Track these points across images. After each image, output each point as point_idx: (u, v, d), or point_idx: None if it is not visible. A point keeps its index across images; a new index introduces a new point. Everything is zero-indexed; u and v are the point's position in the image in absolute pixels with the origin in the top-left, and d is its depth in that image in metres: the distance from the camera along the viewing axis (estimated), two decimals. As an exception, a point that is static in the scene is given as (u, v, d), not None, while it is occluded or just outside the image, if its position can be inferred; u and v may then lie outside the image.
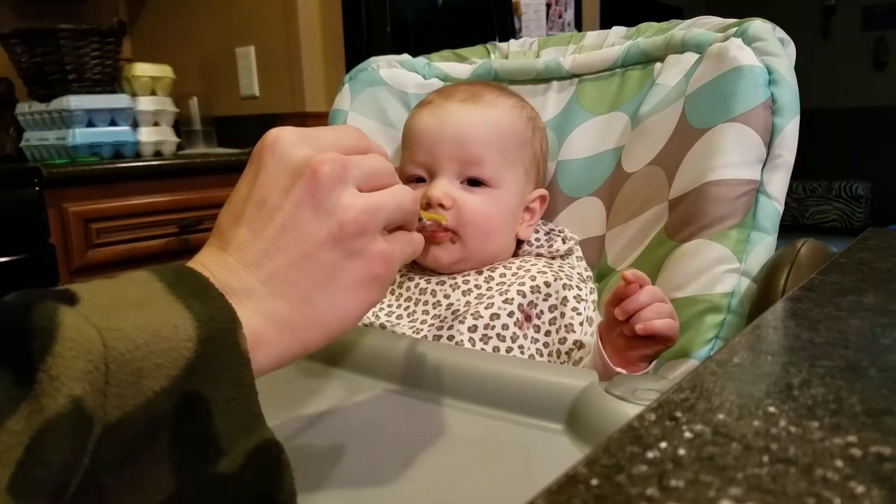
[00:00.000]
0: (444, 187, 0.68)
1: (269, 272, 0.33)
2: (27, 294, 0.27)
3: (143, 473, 0.27)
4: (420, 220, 0.42)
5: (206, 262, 0.33)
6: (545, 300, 0.65)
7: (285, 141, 0.35)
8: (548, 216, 0.79)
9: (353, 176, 0.35)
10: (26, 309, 0.25)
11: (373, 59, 0.91)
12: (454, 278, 0.68)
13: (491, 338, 0.62)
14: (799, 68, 0.66)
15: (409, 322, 0.66)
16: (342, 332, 0.35)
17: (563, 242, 0.73)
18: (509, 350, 0.62)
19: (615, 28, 0.86)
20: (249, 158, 0.36)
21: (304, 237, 0.33)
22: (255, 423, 0.30)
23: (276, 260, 0.33)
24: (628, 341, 0.55)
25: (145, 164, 1.58)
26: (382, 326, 0.66)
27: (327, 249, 0.34)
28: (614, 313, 0.55)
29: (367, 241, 0.35)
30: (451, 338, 0.61)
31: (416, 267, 0.71)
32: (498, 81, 0.87)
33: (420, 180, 0.71)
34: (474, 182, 0.69)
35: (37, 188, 1.38)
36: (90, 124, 1.61)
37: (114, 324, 0.26)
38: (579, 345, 0.64)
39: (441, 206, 0.67)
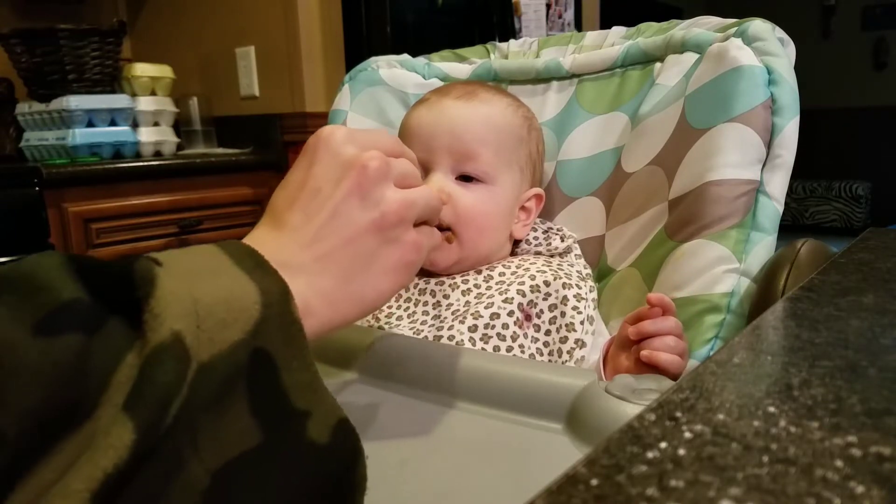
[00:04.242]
0: (440, 182, 0.68)
1: (319, 252, 0.37)
2: (124, 257, 0.31)
3: (228, 417, 0.29)
4: None
5: (264, 240, 0.37)
6: (545, 299, 0.65)
7: (337, 138, 0.40)
8: (547, 216, 0.79)
9: (393, 174, 0.40)
10: (128, 266, 0.30)
11: (372, 59, 0.91)
12: (453, 278, 0.68)
13: (491, 337, 0.62)
14: (799, 68, 0.66)
15: (409, 323, 0.66)
16: (375, 309, 0.40)
17: (562, 240, 0.73)
18: (510, 349, 0.62)
19: (615, 28, 0.86)
20: (303, 149, 0.41)
21: (351, 223, 0.38)
22: (314, 382, 0.32)
23: (326, 242, 0.38)
24: (632, 365, 0.55)
25: (145, 164, 1.58)
26: (381, 328, 0.66)
27: (370, 236, 0.38)
28: (629, 331, 0.55)
29: (402, 231, 0.40)
30: (451, 338, 0.61)
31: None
32: (498, 81, 0.87)
33: None
34: (469, 178, 0.69)
35: (37, 188, 1.38)
36: (90, 124, 1.61)
37: (196, 280, 0.30)
38: (580, 344, 0.64)
39: None
